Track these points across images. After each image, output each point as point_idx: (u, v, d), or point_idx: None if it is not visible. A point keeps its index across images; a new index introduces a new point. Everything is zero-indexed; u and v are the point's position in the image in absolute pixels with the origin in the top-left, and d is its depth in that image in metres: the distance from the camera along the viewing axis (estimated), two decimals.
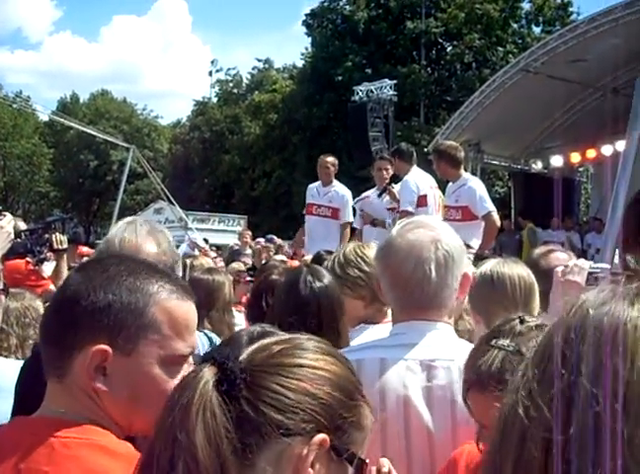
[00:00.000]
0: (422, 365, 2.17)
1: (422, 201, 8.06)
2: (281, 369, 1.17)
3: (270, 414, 1.14)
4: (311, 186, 9.71)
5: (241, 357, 1.18)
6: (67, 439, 1.43)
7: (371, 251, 3.16)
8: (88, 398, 1.50)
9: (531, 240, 15.96)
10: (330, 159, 9.52)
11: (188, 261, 5.55)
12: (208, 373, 1.15)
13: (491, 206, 7.73)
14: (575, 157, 18.80)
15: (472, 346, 2.27)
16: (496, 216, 7.74)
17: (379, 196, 8.78)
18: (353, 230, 9.27)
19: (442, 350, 2.20)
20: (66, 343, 1.49)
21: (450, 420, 2.10)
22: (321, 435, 1.17)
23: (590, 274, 2.78)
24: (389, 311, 3.12)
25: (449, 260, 2.20)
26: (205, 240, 16.14)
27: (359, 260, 3.11)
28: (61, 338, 1.50)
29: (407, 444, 2.14)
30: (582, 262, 2.81)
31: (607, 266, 2.96)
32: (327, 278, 2.95)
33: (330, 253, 5.12)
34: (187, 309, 1.60)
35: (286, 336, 1.29)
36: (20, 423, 1.55)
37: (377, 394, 2.16)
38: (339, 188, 9.48)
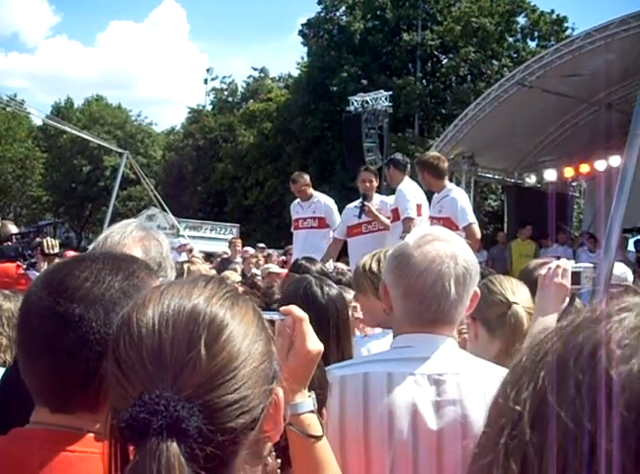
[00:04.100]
0: (430, 380, 2.12)
1: (418, 210, 8.06)
2: (218, 375, 1.06)
3: (239, 422, 1.07)
4: (294, 203, 9.80)
5: (172, 394, 1.03)
6: (84, 454, 1.37)
7: None
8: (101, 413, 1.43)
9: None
10: (301, 181, 9.51)
11: (185, 266, 5.49)
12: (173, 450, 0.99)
13: (472, 218, 7.73)
14: (568, 172, 18.83)
15: (477, 359, 2.24)
16: (476, 228, 7.72)
17: (359, 216, 8.69)
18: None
19: (450, 364, 2.16)
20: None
21: (461, 435, 2.05)
22: (277, 389, 1.18)
23: (573, 273, 2.79)
24: None
25: (467, 276, 2.15)
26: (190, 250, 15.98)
27: None
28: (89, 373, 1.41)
29: (415, 460, 2.09)
30: (564, 262, 2.81)
31: (590, 265, 2.97)
32: (336, 287, 2.93)
33: (309, 259, 5.07)
34: None
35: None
36: (19, 436, 1.44)
37: (385, 409, 2.12)
38: (321, 197, 9.60)
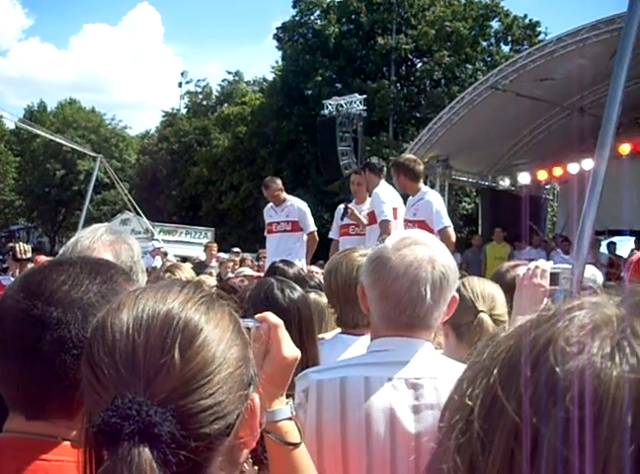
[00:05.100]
0: (407, 384, 2.12)
1: (394, 214, 8.09)
2: (192, 380, 1.05)
3: (213, 428, 1.06)
4: (267, 207, 9.81)
5: (146, 399, 1.01)
6: (59, 463, 1.35)
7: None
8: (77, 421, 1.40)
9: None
10: (273, 186, 9.53)
11: (167, 275, 5.41)
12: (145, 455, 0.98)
13: (447, 221, 7.74)
14: (542, 174, 18.98)
15: (455, 363, 2.23)
16: (451, 231, 7.73)
17: (341, 219, 8.81)
18: (329, 241, 9.28)
19: (427, 368, 2.15)
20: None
21: None
22: (252, 395, 1.16)
23: (552, 274, 2.78)
24: None
25: (444, 281, 2.14)
26: (165, 253, 15.89)
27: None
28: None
29: (392, 464, 2.08)
30: (542, 263, 2.80)
31: (569, 266, 2.96)
32: (299, 289, 2.91)
33: (285, 262, 5.08)
34: None
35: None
36: None
37: (363, 414, 2.11)
38: (294, 201, 9.64)
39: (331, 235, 9.26)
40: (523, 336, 0.75)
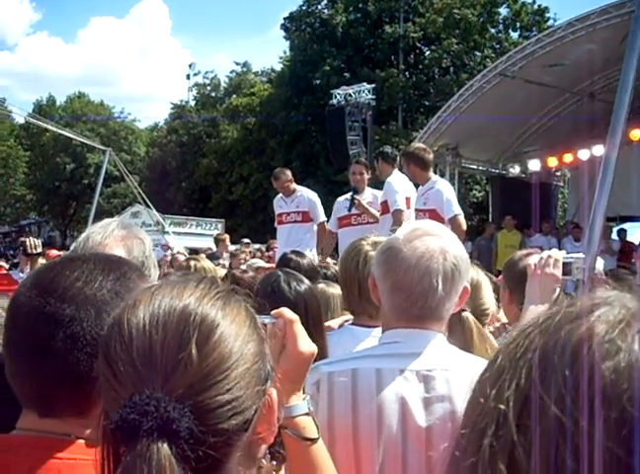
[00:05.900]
0: (418, 376, 2.10)
1: (407, 203, 8.08)
2: (209, 375, 1.04)
3: (231, 424, 1.05)
4: (276, 198, 9.78)
5: (164, 395, 1.00)
6: (73, 462, 1.34)
7: None
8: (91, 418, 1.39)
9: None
10: (283, 177, 9.49)
11: (192, 263, 5.51)
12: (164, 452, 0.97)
13: (457, 209, 7.75)
14: (552, 161, 18.88)
15: (467, 355, 2.22)
16: (462, 219, 7.74)
17: (349, 209, 8.77)
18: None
19: (439, 359, 2.14)
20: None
21: (450, 432, 2.00)
22: (270, 390, 1.15)
23: (564, 264, 2.76)
24: None
25: (456, 273, 2.13)
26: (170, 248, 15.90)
27: None
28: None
29: (404, 456, 2.07)
30: (555, 252, 2.78)
31: (581, 255, 2.94)
32: (306, 282, 2.90)
33: (297, 253, 5.09)
34: None
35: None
36: (6, 443, 1.39)
37: (375, 405, 2.10)
38: (304, 192, 9.61)
39: (328, 226, 9.26)
40: (552, 334, 0.73)
